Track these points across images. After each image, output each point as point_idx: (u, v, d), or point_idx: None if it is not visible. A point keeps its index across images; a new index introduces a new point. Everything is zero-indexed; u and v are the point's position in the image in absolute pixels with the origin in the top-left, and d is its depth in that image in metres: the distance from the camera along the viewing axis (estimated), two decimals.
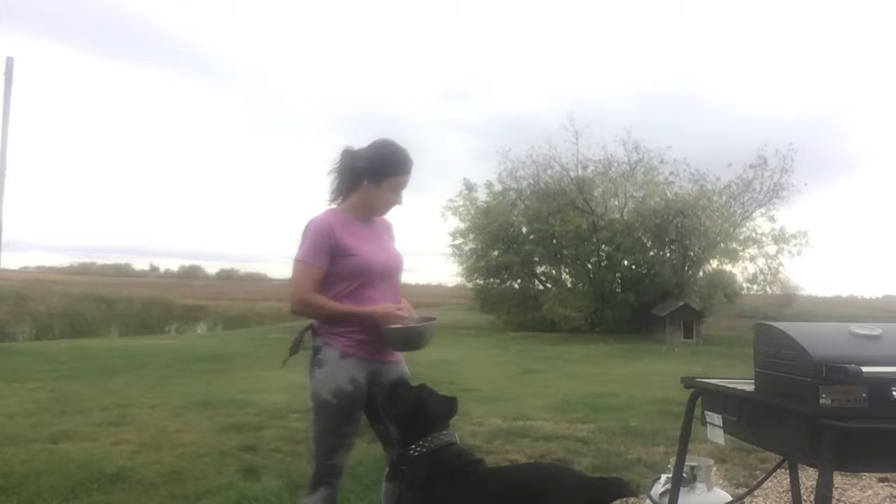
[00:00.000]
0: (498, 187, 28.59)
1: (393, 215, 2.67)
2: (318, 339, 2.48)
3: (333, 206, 2.58)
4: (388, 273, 2.54)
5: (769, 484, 3.59)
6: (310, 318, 2.49)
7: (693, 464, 2.57)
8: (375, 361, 2.49)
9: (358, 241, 2.46)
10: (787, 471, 2.68)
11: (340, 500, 2.70)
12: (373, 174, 2.47)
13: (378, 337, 2.44)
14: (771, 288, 28.06)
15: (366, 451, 3.76)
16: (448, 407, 2.41)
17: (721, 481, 3.72)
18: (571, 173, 26.26)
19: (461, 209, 29.14)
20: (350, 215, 2.52)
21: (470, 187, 29.35)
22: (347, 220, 2.50)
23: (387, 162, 2.48)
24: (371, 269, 2.45)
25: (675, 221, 24.24)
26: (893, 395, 1.68)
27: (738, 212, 25.71)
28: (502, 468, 2.78)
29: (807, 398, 1.71)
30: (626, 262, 26.77)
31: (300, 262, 2.41)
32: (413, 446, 2.31)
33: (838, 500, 3.58)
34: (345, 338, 2.43)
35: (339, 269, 2.43)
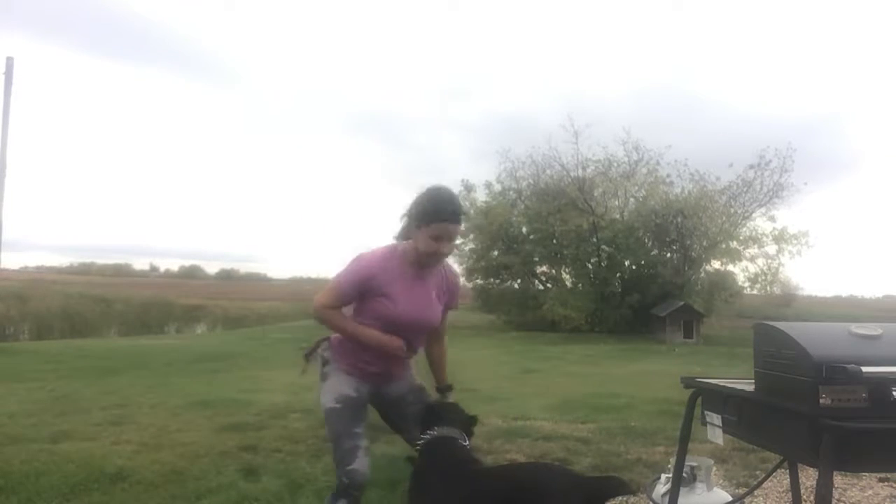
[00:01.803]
0: (498, 187, 28.66)
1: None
2: (326, 353, 2.61)
3: (398, 243, 2.57)
4: (412, 328, 2.54)
5: (769, 484, 3.58)
6: (324, 325, 2.57)
7: (693, 464, 2.57)
8: (376, 384, 2.60)
9: (398, 289, 2.46)
10: (787, 471, 2.68)
11: None
12: (418, 219, 2.44)
13: (381, 367, 2.55)
14: (771, 288, 28.10)
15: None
16: (463, 417, 2.49)
17: (721, 481, 3.71)
18: (572, 173, 26.29)
19: None
20: (405, 259, 2.51)
21: (469, 188, 29.41)
22: (400, 264, 2.49)
23: (428, 207, 2.42)
24: (396, 321, 2.47)
25: (675, 221, 24.26)
26: (893, 395, 1.67)
27: (739, 212, 25.74)
28: (498, 467, 2.78)
29: (807, 398, 1.71)
30: (626, 263, 26.80)
31: (335, 282, 2.47)
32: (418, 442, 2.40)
33: (838, 500, 3.57)
34: (349, 363, 2.55)
35: (369, 308, 2.47)
